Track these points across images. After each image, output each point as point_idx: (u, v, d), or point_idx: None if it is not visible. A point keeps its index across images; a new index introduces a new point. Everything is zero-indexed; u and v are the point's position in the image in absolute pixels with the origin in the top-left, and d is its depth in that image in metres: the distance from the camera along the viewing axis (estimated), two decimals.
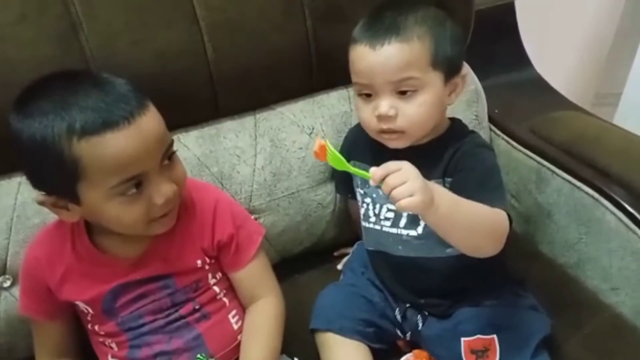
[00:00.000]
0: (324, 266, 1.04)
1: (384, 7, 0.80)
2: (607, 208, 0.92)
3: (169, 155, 0.72)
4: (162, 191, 0.69)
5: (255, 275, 0.83)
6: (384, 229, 0.85)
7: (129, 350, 0.78)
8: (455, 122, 0.87)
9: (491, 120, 1.13)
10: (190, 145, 0.94)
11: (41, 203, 0.71)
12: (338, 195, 1.02)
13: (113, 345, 0.79)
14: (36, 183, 0.70)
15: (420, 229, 0.82)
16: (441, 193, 0.68)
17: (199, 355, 0.77)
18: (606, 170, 0.95)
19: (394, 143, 0.80)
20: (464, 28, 1.08)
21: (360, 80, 0.79)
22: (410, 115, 0.77)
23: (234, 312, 0.83)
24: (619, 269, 0.92)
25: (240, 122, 0.98)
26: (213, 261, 0.81)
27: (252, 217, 0.96)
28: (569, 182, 0.98)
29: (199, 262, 0.79)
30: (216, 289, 0.82)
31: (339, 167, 0.69)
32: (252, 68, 0.94)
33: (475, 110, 1.09)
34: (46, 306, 0.78)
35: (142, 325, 0.77)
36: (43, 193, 0.70)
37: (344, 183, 0.96)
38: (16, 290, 0.84)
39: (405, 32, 0.75)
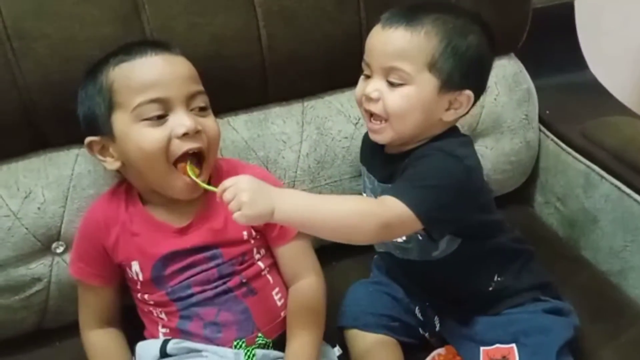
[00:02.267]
0: (361, 255, 1.05)
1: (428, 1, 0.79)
2: None
3: (200, 106, 0.78)
4: (184, 122, 0.74)
5: (299, 253, 0.85)
6: None
7: (180, 321, 0.81)
8: (449, 131, 0.82)
9: (541, 121, 1.11)
10: (239, 128, 0.96)
11: (89, 146, 0.79)
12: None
13: (163, 315, 0.82)
14: (86, 125, 0.78)
15: (405, 236, 0.82)
16: (288, 203, 0.68)
17: (236, 342, 0.79)
18: None
19: (377, 136, 0.80)
20: (519, 27, 1.07)
21: (365, 57, 0.80)
22: (391, 103, 0.76)
23: (277, 289, 0.85)
24: None
25: (288, 109, 0.99)
26: (258, 236, 0.84)
27: None
28: (618, 188, 0.96)
29: (245, 233, 0.82)
30: (261, 264, 0.84)
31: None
32: (303, 56, 0.95)
33: (525, 109, 1.08)
34: (100, 269, 0.82)
35: (191, 295, 0.80)
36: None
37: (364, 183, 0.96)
38: (68, 257, 0.88)
39: (416, 24, 0.75)
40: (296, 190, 0.79)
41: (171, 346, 0.78)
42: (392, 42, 0.75)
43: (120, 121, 0.75)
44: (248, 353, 0.78)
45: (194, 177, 0.75)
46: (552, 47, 1.17)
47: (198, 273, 0.80)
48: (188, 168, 0.76)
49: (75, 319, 0.88)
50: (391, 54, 0.75)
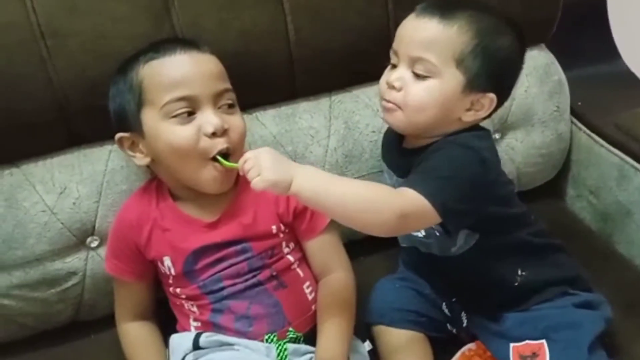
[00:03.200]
0: (387, 251, 1.05)
1: None
2: None
3: (228, 103, 0.79)
4: (212, 121, 0.75)
5: (328, 247, 0.86)
6: None
7: (211, 314, 0.82)
8: (474, 127, 0.81)
9: (573, 112, 1.09)
10: (267, 123, 0.96)
11: (120, 142, 0.81)
12: None
13: (195, 309, 0.83)
14: (117, 121, 0.80)
15: (423, 231, 0.82)
16: (307, 176, 0.68)
17: (267, 336, 0.80)
18: None
19: (389, 116, 0.79)
20: (550, 17, 1.05)
21: (393, 45, 0.79)
22: (413, 94, 0.75)
23: (307, 282, 0.86)
24: None
25: (316, 103, 0.99)
26: (287, 230, 0.84)
27: None
28: None
29: (274, 227, 0.83)
30: (290, 257, 0.85)
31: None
32: (331, 51, 0.95)
33: (557, 101, 1.06)
34: (133, 266, 0.84)
35: (222, 289, 0.81)
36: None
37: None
38: (102, 251, 0.90)
39: (450, 17, 0.74)
40: (318, 168, 0.78)
41: (204, 339, 0.80)
42: (423, 31, 0.75)
43: (150, 118, 0.77)
44: (280, 347, 0.78)
45: (223, 161, 0.76)
46: (584, 38, 1.15)
47: (228, 267, 0.81)
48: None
49: (109, 312, 0.90)
50: (420, 43, 0.75)
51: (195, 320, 0.83)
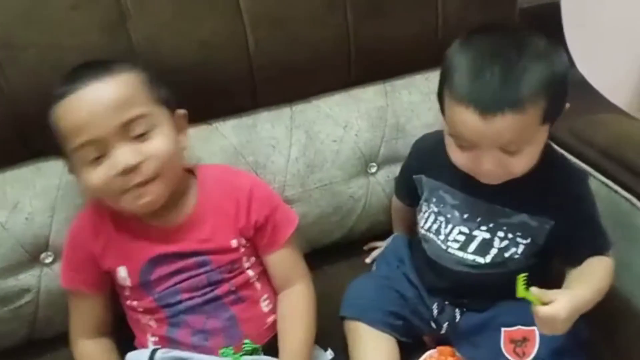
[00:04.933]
0: (353, 259, 1.05)
1: (488, 49, 0.70)
2: None
3: (140, 132, 0.73)
4: (119, 162, 0.71)
5: (288, 260, 0.85)
6: (450, 250, 0.84)
7: (168, 328, 0.80)
8: (545, 147, 0.77)
9: None
10: (227, 134, 0.96)
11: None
12: (370, 190, 1.03)
13: (152, 322, 0.81)
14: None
15: (489, 258, 0.81)
16: (581, 306, 0.71)
17: (222, 350, 0.79)
18: None
19: (491, 181, 0.76)
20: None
21: (461, 139, 0.73)
22: (517, 168, 0.73)
23: (265, 296, 0.85)
24: None
25: (277, 113, 0.99)
26: (248, 244, 0.83)
27: None
28: (607, 185, 0.96)
29: (234, 242, 0.81)
30: (250, 272, 0.84)
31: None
32: (291, 61, 0.95)
33: None
34: (89, 276, 0.82)
35: (180, 302, 0.80)
36: None
37: (407, 191, 0.94)
38: (57, 267, 0.87)
39: (520, 101, 0.67)
40: (581, 292, 0.74)
41: (159, 356, 0.78)
42: (506, 130, 0.68)
43: (72, 159, 0.75)
44: None
45: (530, 298, 0.71)
46: None
47: (187, 279, 0.80)
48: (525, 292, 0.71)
49: (65, 329, 0.87)
50: (504, 139, 0.69)
51: (153, 335, 0.81)
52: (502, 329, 0.80)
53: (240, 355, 0.78)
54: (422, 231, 0.88)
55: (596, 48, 1.39)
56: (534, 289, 0.69)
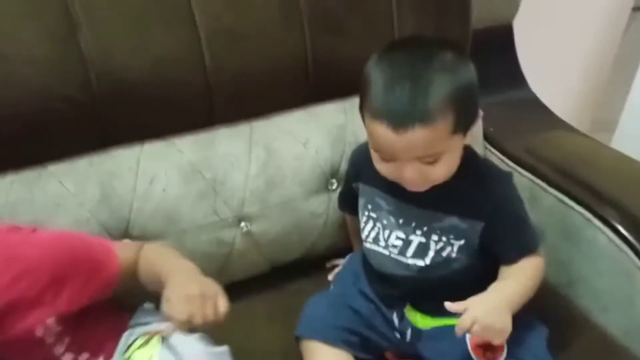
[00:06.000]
0: (315, 276, 1.04)
1: (399, 64, 0.72)
2: (598, 228, 0.92)
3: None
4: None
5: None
6: (392, 255, 0.84)
7: None
8: (467, 151, 0.80)
9: (486, 137, 1.13)
10: (185, 150, 0.94)
11: None
12: (331, 207, 1.02)
13: None
14: None
15: (428, 260, 0.82)
16: (502, 299, 0.75)
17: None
18: (598, 189, 0.96)
19: (416, 189, 0.78)
20: (461, 44, 1.09)
21: (380, 152, 0.75)
22: (437, 176, 0.75)
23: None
24: (610, 289, 0.91)
25: (236, 130, 0.98)
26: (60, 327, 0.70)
27: (242, 224, 0.96)
28: (561, 200, 0.98)
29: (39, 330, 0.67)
30: (68, 356, 0.71)
31: None
32: (248, 77, 0.94)
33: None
34: None
35: None
36: None
37: (348, 200, 0.95)
38: None
39: (429, 116, 0.69)
40: (497, 290, 0.78)
41: None
42: (417, 142, 0.70)
43: None
44: None
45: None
46: (493, 67, 1.18)
47: None
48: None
49: None
50: (421, 149, 0.71)
51: None
52: (467, 335, 0.79)
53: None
54: (365, 243, 0.88)
55: (550, 70, 1.44)
56: (447, 304, 0.72)
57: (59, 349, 0.69)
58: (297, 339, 0.87)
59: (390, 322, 0.88)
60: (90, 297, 0.71)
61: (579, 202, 0.96)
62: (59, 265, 0.67)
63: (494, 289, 0.77)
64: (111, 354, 0.74)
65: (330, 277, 1.03)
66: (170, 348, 0.61)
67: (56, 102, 0.83)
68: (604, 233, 0.91)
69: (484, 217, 0.79)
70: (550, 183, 1.00)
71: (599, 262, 0.93)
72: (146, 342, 0.63)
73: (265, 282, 0.98)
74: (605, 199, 0.94)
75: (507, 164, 1.08)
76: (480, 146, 1.12)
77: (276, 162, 0.98)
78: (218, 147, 0.96)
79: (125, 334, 0.75)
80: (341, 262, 1.03)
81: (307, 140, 1.00)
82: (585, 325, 0.93)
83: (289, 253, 1.02)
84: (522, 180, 1.04)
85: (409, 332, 0.87)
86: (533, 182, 1.03)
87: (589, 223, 0.94)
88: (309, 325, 0.87)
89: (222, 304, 0.68)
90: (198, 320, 0.65)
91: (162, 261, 0.76)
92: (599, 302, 0.93)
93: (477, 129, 1.09)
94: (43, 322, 0.67)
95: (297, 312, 0.90)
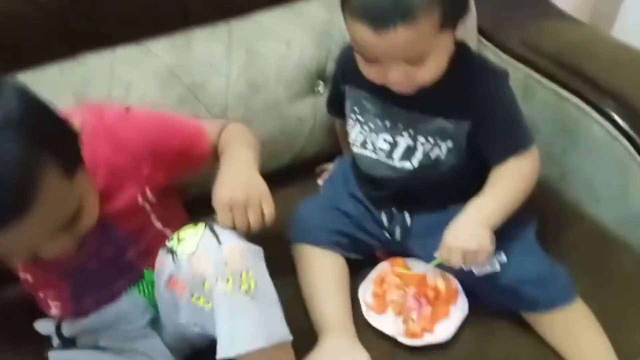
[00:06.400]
0: (305, 182, 1.03)
1: None
2: (593, 118, 0.90)
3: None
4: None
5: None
6: (380, 158, 0.83)
7: (72, 300, 0.74)
8: (460, 49, 0.77)
9: (480, 31, 1.08)
10: (160, 53, 0.89)
11: None
12: (318, 110, 0.99)
13: (53, 295, 0.75)
14: None
15: (416, 162, 0.80)
16: (493, 219, 0.75)
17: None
18: (595, 79, 0.92)
19: (403, 91, 0.75)
20: None
21: (363, 53, 0.72)
22: (424, 77, 0.72)
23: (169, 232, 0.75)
24: (603, 179, 0.90)
25: (213, 31, 0.93)
26: (154, 199, 0.75)
27: None
28: (556, 92, 0.95)
29: (139, 199, 0.73)
30: (158, 225, 0.76)
31: None
32: None
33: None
34: None
35: (85, 271, 0.72)
36: None
37: (336, 103, 0.92)
38: None
39: (411, 12, 0.66)
40: (477, 202, 0.77)
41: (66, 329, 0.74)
42: (399, 43, 0.67)
43: None
44: (141, 287, 0.74)
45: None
46: None
47: (93, 249, 0.71)
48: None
49: None
50: (404, 50, 0.68)
51: (57, 307, 0.75)
52: None
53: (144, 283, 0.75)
54: (353, 147, 0.87)
55: None
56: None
57: (154, 217, 0.75)
58: (288, 243, 0.87)
59: (379, 222, 0.87)
60: (184, 172, 0.79)
61: (575, 93, 0.93)
62: (155, 141, 0.73)
63: (470, 208, 0.76)
64: None
65: (319, 181, 1.02)
66: (213, 232, 0.66)
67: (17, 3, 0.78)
68: (599, 123, 0.89)
69: (470, 117, 0.77)
70: (545, 74, 0.97)
71: (593, 153, 0.91)
72: (194, 224, 0.68)
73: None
74: (603, 88, 0.91)
75: (502, 58, 1.04)
76: (474, 41, 1.06)
77: (258, 63, 0.94)
78: (195, 49, 0.91)
79: None
80: (330, 166, 1.02)
81: (291, 39, 0.95)
82: (576, 216, 0.93)
83: (277, 159, 1.00)
84: (516, 73, 1.00)
85: (397, 231, 0.86)
86: (527, 74, 0.99)
87: (584, 114, 0.91)
88: (300, 229, 0.88)
89: (267, 210, 0.69)
90: (242, 229, 0.67)
91: (230, 147, 0.78)
92: (592, 193, 0.92)
93: (472, 21, 1.05)
94: (143, 192, 0.73)
95: (287, 217, 0.89)
